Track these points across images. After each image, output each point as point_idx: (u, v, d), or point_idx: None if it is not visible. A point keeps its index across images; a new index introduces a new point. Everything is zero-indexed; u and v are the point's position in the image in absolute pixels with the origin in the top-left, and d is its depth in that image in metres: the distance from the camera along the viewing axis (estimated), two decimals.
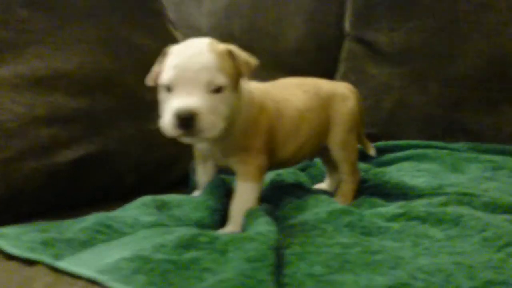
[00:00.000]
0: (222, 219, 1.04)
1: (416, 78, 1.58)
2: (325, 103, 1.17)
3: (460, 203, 1.06)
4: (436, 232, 0.91)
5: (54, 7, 1.16)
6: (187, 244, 0.78)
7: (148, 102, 1.27)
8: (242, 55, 0.94)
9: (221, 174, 1.19)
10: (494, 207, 1.03)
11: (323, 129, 1.17)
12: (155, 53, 1.36)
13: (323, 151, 1.24)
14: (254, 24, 1.82)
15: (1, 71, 1.02)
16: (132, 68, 1.26)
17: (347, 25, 1.73)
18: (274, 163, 1.09)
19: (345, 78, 1.69)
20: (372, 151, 1.41)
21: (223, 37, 1.86)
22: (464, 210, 0.96)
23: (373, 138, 1.59)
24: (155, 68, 0.96)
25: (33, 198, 0.99)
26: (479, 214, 0.95)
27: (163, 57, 0.94)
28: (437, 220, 0.94)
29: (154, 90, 1.32)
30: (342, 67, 1.73)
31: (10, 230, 0.86)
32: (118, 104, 1.19)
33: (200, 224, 0.99)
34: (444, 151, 1.49)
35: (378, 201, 1.14)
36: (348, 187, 1.23)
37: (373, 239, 0.89)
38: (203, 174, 1.16)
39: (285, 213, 1.03)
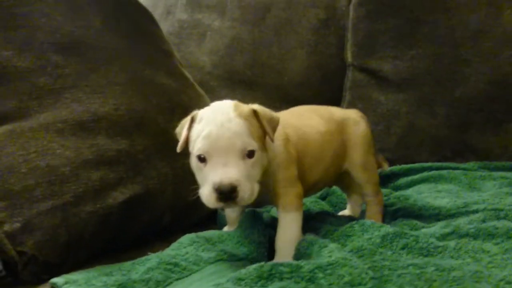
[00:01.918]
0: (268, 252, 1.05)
1: (422, 103, 1.65)
2: (340, 127, 1.20)
3: (497, 217, 1.10)
4: (490, 246, 0.93)
5: (85, 52, 1.17)
6: (269, 275, 0.78)
7: (176, 141, 1.28)
8: (266, 113, 0.95)
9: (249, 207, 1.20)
10: None
11: (342, 152, 1.19)
12: (176, 92, 1.40)
13: (342, 177, 1.26)
14: (257, 60, 1.86)
15: (45, 116, 1.01)
16: (159, 107, 1.27)
17: (349, 56, 1.79)
18: (304, 189, 1.08)
19: (351, 106, 1.74)
20: (386, 166, 1.45)
21: (226, 74, 1.92)
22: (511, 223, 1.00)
23: None
24: (183, 134, 0.95)
25: (90, 242, 0.97)
26: None
27: (191, 123, 0.95)
28: (489, 235, 0.98)
29: None
30: (347, 96, 1.78)
31: (78, 276, 0.84)
32: (153, 143, 1.19)
33: (249, 259, 1.00)
34: (458, 171, 1.54)
35: (417, 222, 1.16)
36: (374, 208, 1.25)
37: (434, 259, 0.91)
38: (231, 210, 1.17)
39: (333, 241, 1.04)
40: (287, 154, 1.02)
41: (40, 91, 1.04)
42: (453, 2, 1.68)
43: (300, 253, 0.96)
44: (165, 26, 1.92)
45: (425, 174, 1.55)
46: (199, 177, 0.93)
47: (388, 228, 1.01)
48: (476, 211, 1.19)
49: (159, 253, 0.95)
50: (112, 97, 1.14)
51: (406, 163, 1.63)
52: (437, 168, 1.59)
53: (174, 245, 1.00)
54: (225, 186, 0.84)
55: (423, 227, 1.13)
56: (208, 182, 0.87)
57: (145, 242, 1.15)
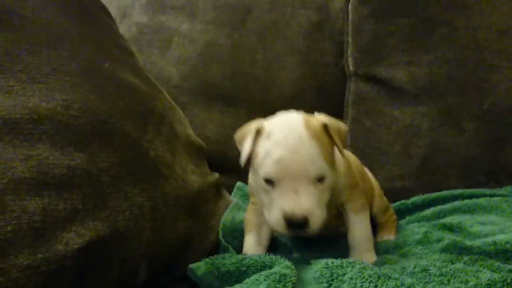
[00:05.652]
0: None
1: (447, 116, 1.35)
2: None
3: None
4: None
5: (19, 27, 0.79)
6: None
7: (152, 159, 0.91)
8: (335, 126, 0.86)
9: None
10: None
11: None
12: (148, 97, 1.03)
13: None
14: (238, 69, 1.52)
15: None
16: (126, 111, 0.90)
17: (350, 63, 1.48)
18: None
19: (357, 123, 1.44)
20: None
21: (200, 87, 1.55)
22: None
23: (405, 193, 1.32)
24: (245, 147, 0.84)
25: None
26: None
27: (257, 136, 0.84)
28: None
29: (157, 143, 0.96)
30: (351, 111, 1.46)
31: None
32: (121, 161, 0.80)
33: None
34: (496, 198, 1.24)
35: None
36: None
37: None
38: (254, 246, 0.98)
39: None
40: (346, 160, 0.95)
41: None
42: None
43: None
44: (121, 31, 1.55)
45: (456, 203, 1.24)
46: (265, 198, 0.85)
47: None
48: None
49: None
50: (59, 90, 0.76)
51: (431, 191, 1.31)
52: (470, 196, 1.28)
53: None
54: (297, 217, 0.79)
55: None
56: (277, 207, 0.81)
57: None
